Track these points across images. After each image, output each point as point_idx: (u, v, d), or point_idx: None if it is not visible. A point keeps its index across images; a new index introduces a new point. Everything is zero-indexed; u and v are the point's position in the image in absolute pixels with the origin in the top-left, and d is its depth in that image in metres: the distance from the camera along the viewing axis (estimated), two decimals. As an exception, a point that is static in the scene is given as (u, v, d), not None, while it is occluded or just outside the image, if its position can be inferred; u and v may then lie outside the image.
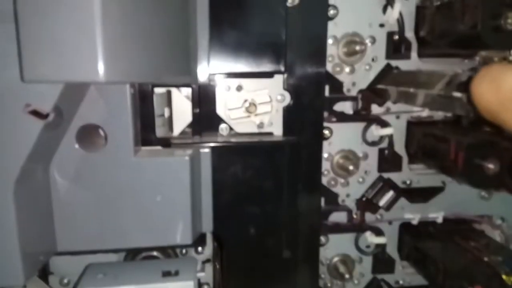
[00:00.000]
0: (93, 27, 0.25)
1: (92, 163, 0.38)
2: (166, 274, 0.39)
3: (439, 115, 0.51)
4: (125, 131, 0.38)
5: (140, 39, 0.29)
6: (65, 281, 0.48)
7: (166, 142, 0.45)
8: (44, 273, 0.48)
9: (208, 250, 0.51)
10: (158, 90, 0.44)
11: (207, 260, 0.51)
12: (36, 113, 0.31)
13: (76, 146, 0.38)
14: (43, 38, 0.25)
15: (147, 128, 0.43)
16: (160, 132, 0.45)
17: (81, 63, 0.26)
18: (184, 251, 0.50)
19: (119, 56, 0.27)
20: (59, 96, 0.31)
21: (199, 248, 0.50)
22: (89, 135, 0.38)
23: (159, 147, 0.44)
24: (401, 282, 0.55)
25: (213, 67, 0.44)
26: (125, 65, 0.27)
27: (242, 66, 0.45)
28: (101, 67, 0.25)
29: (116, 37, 0.26)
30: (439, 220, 0.52)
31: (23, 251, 0.32)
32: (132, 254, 0.49)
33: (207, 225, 0.45)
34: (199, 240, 0.49)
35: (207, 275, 0.50)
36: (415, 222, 0.52)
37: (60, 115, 0.34)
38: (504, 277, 0.43)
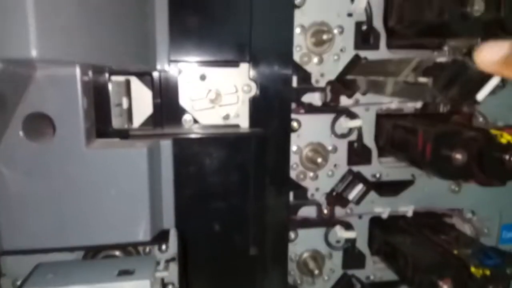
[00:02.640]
0: (25, -2, 0.23)
1: (41, 155, 0.35)
2: (122, 273, 0.37)
3: (408, 107, 0.50)
4: (75, 120, 0.35)
5: (83, 14, 0.27)
6: (18, 283, 0.45)
7: (124, 134, 0.42)
8: (-5, 276, 0.45)
9: (172, 248, 0.48)
10: (115, 79, 0.42)
11: (172, 259, 0.49)
12: (-31, 97, 0.28)
13: (22, 136, 0.35)
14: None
15: (102, 119, 0.41)
16: (117, 123, 0.43)
17: (12, 38, 0.23)
18: (147, 249, 0.48)
19: (56, 31, 0.24)
20: (-4, 77, 0.28)
21: (163, 246, 0.48)
22: (36, 124, 0.35)
23: (116, 139, 0.41)
24: (372, 277, 0.54)
25: (174, 54, 0.42)
26: (63, 43, 0.25)
27: (205, 53, 0.43)
28: (33, 42, 0.23)
29: (52, 10, 0.24)
30: (409, 214, 0.52)
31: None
32: (91, 254, 0.46)
33: (169, 221, 0.42)
34: (163, 237, 0.47)
35: (171, 274, 0.48)
36: (385, 216, 0.51)
37: (1, 101, 0.32)
38: (473, 269, 0.42)
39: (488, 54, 0.32)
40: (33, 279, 0.36)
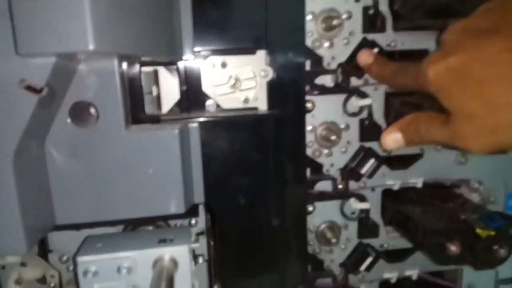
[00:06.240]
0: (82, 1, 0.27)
1: (86, 139, 0.40)
2: (162, 241, 0.42)
3: (415, 85, 0.53)
4: (115, 107, 0.40)
5: (126, 13, 0.31)
6: (65, 258, 0.50)
7: (155, 119, 0.47)
8: (44, 252, 0.50)
9: (201, 223, 0.53)
10: (145, 69, 0.46)
11: (201, 233, 0.53)
12: (30, 88, 0.33)
13: (69, 122, 0.39)
14: (36, 12, 0.27)
15: (136, 106, 0.45)
16: (149, 110, 0.47)
17: (72, 34, 0.28)
18: (178, 225, 0.53)
19: (107, 28, 0.29)
20: (51, 70, 0.32)
21: (193, 221, 0.52)
22: (81, 111, 0.40)
23: (149, 124, 0.45)
24: (385, 245, 0.57)
25: (197, 45, 0.46)
26: (112, 37, 0.29)
27: (225, 43, 0.47)
28: (90, 37, 0.27)
29: (103, 10, 0.28)
30: (419, 185, 0.55)
31: (24, 218, 0.34)
32: (129, 229, 0.51)
33: (199, 196, 0.47)
34: (192, 213, 0.51)
35: (201, 247, 0.53)
36: (396, 187, 0.55)
37: (52, 93, 0.36)
38: (478, 231, 0.46)
39: (363, 57, 0.47)
40: (85, 248, 0.41)
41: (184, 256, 0.41)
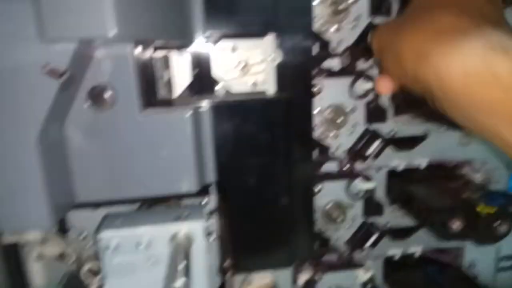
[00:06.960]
0: (102, -11, 0.28)
1: (103, 121, 0.42)
2: (177, 218, 0.44)
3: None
4: (131, 91, 0.41)
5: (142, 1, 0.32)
6: (83, 235, 0.53)
7: (168, 103, 0.48)
8: (63, 229, 0.53)
9: (212, 202, 0.55)
10: (158, 54, 0.48)
11: (212, 211, 0.55)
12: (53, 72, 0.34)
13: (87, 105, 0.41)
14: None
15: (150, 90, 0.47)
16: (161, 93, 0.49)
17: (94, 21, 0.29)
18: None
19: (126, 14, 0.30)
20: (72, 55, 0.34)
21: (204, 200, 0.54)
22: (98, 95, 0.41)
23: (162, 107, 0.47)
24: (389, 224, 0.59)
25: (208, 29, 0.47)
26: (130, 23, 0.31)
27: (235, 27, 0.48)
28: (111, 24, 0.29)
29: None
30: (423, 166, 0.57)
31: (49, 196, 0.37)
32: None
33: (210, 176, 0.49)
34: (204, 192, 0.53)
35: (212, 225, 0.55)
36: (401, 168, 0.56)
37: (72, 77, 0.38)
38: (479, 209, 0.47)
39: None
40: (106, 224, 0.43)
41: (199, 232, 0.43)
